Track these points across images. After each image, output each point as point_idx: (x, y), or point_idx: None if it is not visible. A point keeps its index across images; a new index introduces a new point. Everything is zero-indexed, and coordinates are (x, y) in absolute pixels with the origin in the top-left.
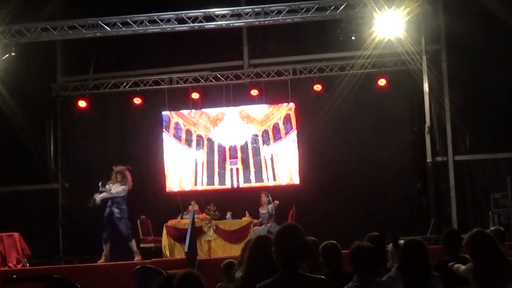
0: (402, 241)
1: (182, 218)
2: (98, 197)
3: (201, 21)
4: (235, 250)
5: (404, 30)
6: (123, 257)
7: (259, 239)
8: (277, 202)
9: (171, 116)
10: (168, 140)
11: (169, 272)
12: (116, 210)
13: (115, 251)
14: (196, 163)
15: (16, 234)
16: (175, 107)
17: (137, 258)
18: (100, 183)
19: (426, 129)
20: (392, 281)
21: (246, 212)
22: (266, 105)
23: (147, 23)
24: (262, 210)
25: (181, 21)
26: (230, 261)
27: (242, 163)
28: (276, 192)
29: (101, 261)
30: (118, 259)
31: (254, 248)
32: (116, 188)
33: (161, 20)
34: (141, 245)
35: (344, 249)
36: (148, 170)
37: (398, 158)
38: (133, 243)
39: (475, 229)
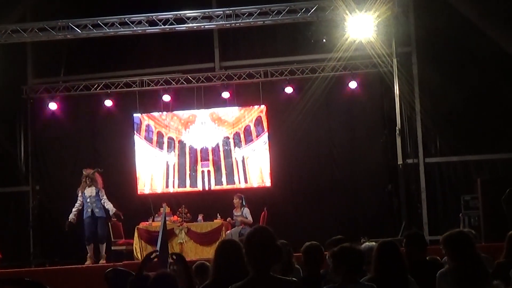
0: (368, 243)
1: (153, 220)
2: (72, 215)
3: (172, 23)
4: (206, 252)
5: (375, 33)
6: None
7: (223, 244)
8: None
9: (142, 119)
10: (139, 142)
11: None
12: (96, 210)
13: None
14: (168, 166)
15: None
16: (146, 110)
17: (102, 261)
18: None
19: (397, 131)
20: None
21: (218, 214)
22: (237, 107)
23: (118, 25)
24: (236, 212)
25: (152, 23)
26: (201, 263)
27: (214, 166)
28: (248, 194)
29: (87, 263)
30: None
31: (218, 253)
32: (89, 193)
33: (132, 22)
34: (112, 248)
35: None
36: (119, 172)
37: (369, 160)
38: (104, 246)
39: (456, 230)
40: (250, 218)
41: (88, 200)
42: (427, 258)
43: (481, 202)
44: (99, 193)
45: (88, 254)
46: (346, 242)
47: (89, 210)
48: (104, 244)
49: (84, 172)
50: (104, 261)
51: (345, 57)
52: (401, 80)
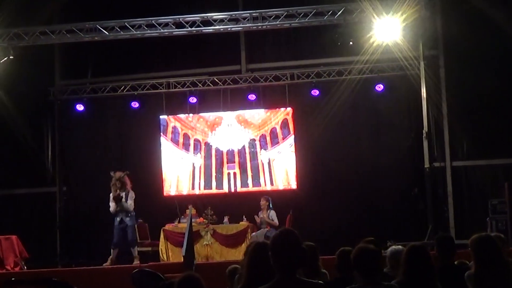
0: (394, 247)
1: (179, 222)
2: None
3: (199, 26)
4: (232, 254)
5: (401, 36)
6: (123, 261)
7: (258, 246)
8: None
9: (169, 120)
10: (165, 144)
11: (169, 276)
12: (127, 219)
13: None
14: (194, 167)
15: (13, 237)
16: (173, 111)
17: (136, 262)
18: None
19: (424, 135)
20: None
21: (244, 216)
22: (263, 109)
23: (145, 27)
24: (262, 214)
25: (179, 25)
26: (234, 267)
27: (240, 168)
28: (274, 196)
29: (106, 264)
30: (120, 263)
31: (253, 255)
32: (128, 202)
33: (159, 25)
34: (139, 249)
35: None
36: (145, 174)
37: (395, 163)
38: (135, 249)
39: (485, 233)
40: (276, 221)
41: (118, 208)
42: (455, 262)
43: (509, 206)
44: (128, 197)
45: (110, 256)
46: (376, 244)
47: (118, 219)
48: (136, 247)
49: (113, 175)
50: (138, 262)
51: (372, 60)
52: (428, 83)
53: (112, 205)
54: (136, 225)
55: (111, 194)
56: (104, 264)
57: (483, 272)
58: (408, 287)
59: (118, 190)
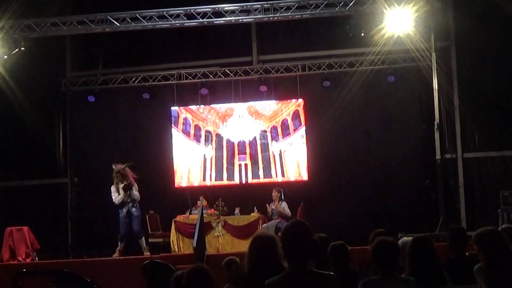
0: (405, 238)
1: (190, 213)
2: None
3: (210, 17)
4: (243, 246)
5: (413, 27)
6: (132, 252)
7: (257, 239)
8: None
9: (180, 112)
10: (176, 135)
11: (180, 267)
12: (133, 209)
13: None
14: (205, 159)
15: (25, 228)
16: (184, 103)
17: (146, 254)
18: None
19: (435, 126)
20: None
21: (255, 208)
22: (274, 101)
23: (156, 19)
24: (273, 206)
25: (190, 16)
26: (230, 259)
27: (251, 159)
28: (285, 188)
29: (115, 255)
30: (128, 254)
31: (252, 248)
32: (134, 192)
33: (170, 16)
34: (150, 240)
35: (352, 245)
36: (156, 165)
37: (406, 155)
38: (143, 240)
39: (489, 227)
40: (288, 211)
41: (128, 198)
42: (466, 254)
43: None
44: (133, 187)
45: (118, 248)
46: (386, 236)
47: (125, 211)
48: (143, 238)
49: (114, 168)
50: (148, 253)
51: (383, 51)
52: (439, 74)
53: (119, 196)
54: (145, 216)
55: (112, 187)
56: (113, 256)
57: (493, 267)
58: (415, 279)
59: (119, 182)
